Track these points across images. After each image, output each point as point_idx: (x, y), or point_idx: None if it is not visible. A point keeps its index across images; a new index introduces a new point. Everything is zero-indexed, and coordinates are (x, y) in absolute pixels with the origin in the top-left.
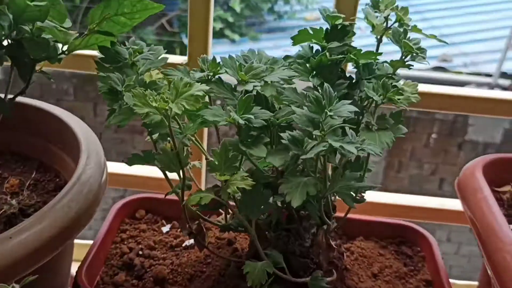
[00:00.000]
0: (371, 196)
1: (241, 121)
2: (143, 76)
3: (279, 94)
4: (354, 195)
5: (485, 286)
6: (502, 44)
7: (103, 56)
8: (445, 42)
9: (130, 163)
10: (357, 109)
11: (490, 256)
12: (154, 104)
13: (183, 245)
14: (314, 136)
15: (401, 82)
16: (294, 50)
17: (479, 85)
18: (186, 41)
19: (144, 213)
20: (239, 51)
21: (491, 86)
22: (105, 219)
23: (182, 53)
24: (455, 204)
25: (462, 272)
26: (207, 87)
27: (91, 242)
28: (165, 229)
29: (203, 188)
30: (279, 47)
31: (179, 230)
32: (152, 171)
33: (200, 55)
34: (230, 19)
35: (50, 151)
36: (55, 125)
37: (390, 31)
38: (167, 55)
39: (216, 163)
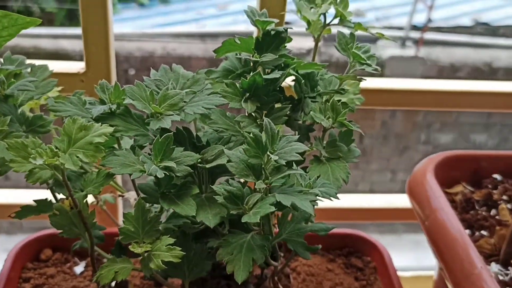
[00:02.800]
0: None
1: (160, 173)
2: (24, 109)
3: (204, 116)
4: (306, 242)
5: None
6: None
7: None
8: (394, 40)
9: (19, 216)
10: (307, 148)
11: (458, 283)
12: (38, 160)
13: None
14: (255, 187)
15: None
16: (208, 12)
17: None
18: None
19: (51, 253)
20: (149, 15)
21: (402, 39)
22: (2, 268)
23: None
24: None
25: None
26: (111, 129)
27: None
28: (79, 269)
29: (120, 221)
30: (191, 9)
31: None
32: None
33: (98, 43)
34: None
35: None
36: None
37: (329, 28)
38: (54, 79)
39: (132, 229)
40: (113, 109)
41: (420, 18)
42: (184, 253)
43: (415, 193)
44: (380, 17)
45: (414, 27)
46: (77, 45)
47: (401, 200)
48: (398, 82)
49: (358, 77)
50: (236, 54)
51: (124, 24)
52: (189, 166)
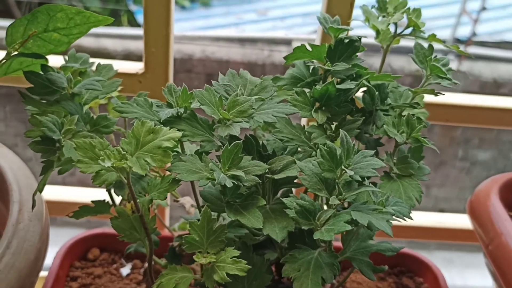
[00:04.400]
0: None
1: (228, 183)
2: (87, 108)
3: (266, 124)
4: (372, 262)
5: None
6: (456, 9)
7: (32, 86)
8: (467, 54)
9: (76, 216)
10: (383, 164)
11: None
12: (106, 162)
13: None
14: (329, 203)
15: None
16: (248, 17)
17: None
18: (133, 7)
19: (99, 253)
20: (190, 18)
21: (444, 52)
22: (51, 266)
23: (130, 22)
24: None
25: None
26: (179, 133)
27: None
28: (125, 271)
29: (167, 223)
30: (231, 13)
31: (142, 270)
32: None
33: (159, 46)
34: None
35: None
36: None
37: (398, 38)
38: (119, 79)
39: (197, 238)
40: (180, 113)
41: (464, 32)
42: (250, 266)
43: (478, 214)
44: (423, 29)
45: (458, 40)
46: (119, 45)
47: (435, 219)
48: (438, 96)
49: (436, 91)
50: (305, 62)
51: None
52: (256, 176)
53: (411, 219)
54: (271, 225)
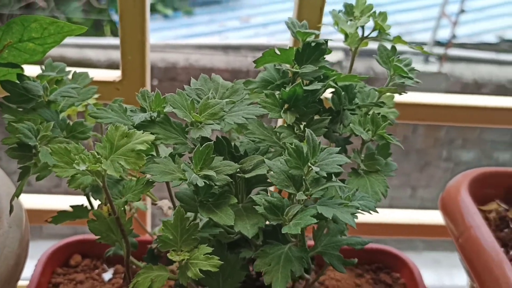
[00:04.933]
0: None
1: (200, 182)
2: (64, 115)
3: (240, 126)
4: (342, 256)
5: None
6: (435, 12)
7: (8, 95)
8: (429, 53)
9: (55, 221)
10: (348, 161)
11: None
12: (81, 165)
13: None
14: (296, 198)
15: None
16: (231, 25)
17: (414, 54)
18: (116, 17)
19: (80, 259)
20: (173, 27)
21: (425, 56)
22: (32, 273)
23: (113, 32)
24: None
25: None
26: (152, 137)
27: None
28: (107, 276)
29: (149, 228)
30: (214, 21)
31: (123, 275)
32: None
33: (135, 53)
34: None
35: None
36: None
37: (366, 41)
38: (94, 87)
39: (170, 237)
40: (153, 117)
41: (443, 34)
42: (222, 262)
43: (449, 209)
44: (403, 32)
45: (438, 43)
46: (102, 55)
47: (422, 216)
48: (420, 96)
49: (399, 90)
50: (275, 65)
51: None
52: (228, 175)
53: (377, 212)
54: (243, 222)
